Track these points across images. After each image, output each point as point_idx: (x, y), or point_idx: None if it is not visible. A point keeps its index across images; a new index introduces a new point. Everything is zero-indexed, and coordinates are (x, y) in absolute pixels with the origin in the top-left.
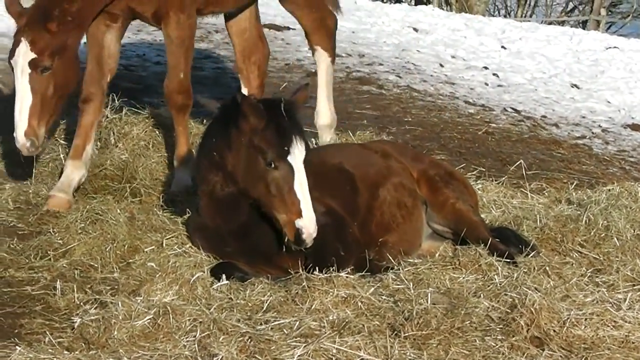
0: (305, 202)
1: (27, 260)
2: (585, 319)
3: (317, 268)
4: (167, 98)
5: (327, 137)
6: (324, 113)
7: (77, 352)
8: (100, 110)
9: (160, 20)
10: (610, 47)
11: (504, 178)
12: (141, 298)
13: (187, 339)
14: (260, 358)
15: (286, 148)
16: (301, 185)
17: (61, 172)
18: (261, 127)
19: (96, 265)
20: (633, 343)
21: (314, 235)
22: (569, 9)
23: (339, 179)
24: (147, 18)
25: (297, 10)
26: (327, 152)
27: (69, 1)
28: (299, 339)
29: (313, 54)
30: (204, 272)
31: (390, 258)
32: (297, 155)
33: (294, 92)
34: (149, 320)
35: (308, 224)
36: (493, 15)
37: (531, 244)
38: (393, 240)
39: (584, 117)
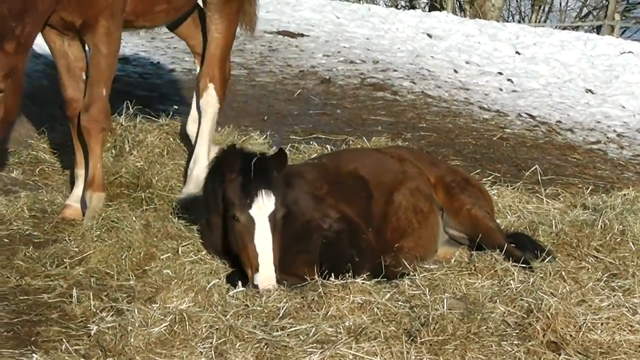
0: (264, 257)
1: (43, 268)
2: (602, 324)
3: (332, 274)
4: (84, 119)
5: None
6: (201, 162)
7: None
8: None
9: (88, 30)
10: (624, 52)
11: (519, 183)
12: (157, 305)
13: (204, 346)
14: None
15: (248, 201)
16: (262, 239)
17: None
18: (232, 179)
19: (112, 273)
20: None
21: (273, 289)
22: (583, 14)
23: (354, 186)
24: (76, 27)
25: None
26: (343, 157)
27: (21, 23)
28: (315, 345)
29: (202, 92)
30: (220, 279)
31: (406, 263)
32: (259, 209)
33: (274, 154)
34: (165, 328)
35: (263, 280)
36: (507, 21)
37: (547, 250)
38: (409, 246)
39: (598, 122)
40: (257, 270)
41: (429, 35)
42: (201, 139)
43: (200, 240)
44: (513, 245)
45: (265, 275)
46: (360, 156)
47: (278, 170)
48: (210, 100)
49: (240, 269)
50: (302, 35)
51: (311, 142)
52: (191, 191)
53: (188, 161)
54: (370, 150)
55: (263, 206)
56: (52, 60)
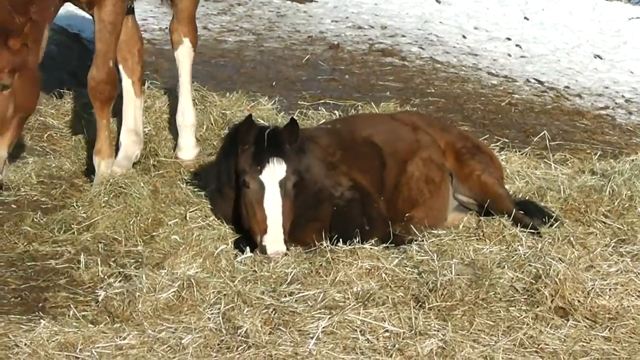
0: (272, 221)
1: (51, 234)
2: (610, 289)
3: (341, 241)
4: (92, 89)
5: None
6: (189, 113)
7: (101, 325)
8: None
9: (93, 4)
10: (633, 18)
11: (527, 149)
12: (165, 271)
13: (212, 312)
14: (284, 330)
15: (259, 168)
16: (271, 204)
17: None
18: (245, 149)
19: (120, 239)
20: None
21: (280, 253)
22: None
23: (368, 153)
24: (81, 3)
25: None
26: (357, 123)
27: (27, 17)
28: (323, 310)
29: (177, 45)
30: (228, 245)
31: (416, 232)
32: (270, 175)
33: (286, 125)
34: (173, 293)
35: (270, 242)
36: None
37: (555, 216)
38: (419, 216)
39: (607, 88)
40: (265, 232)
41: (438, 1)
42: (184, 90)
43: (210, 207)
44: (522, 212)
45: (273, 237)
46: (374, 123)
47: (290, 142)
48: (186, 51)
49: (250, 239)
50: (310, 0)
51: (319, 108)
52: (186, 142)
53: (196, 127)
54: (384, 117)
55: (274, 172)
56: (59, 27)
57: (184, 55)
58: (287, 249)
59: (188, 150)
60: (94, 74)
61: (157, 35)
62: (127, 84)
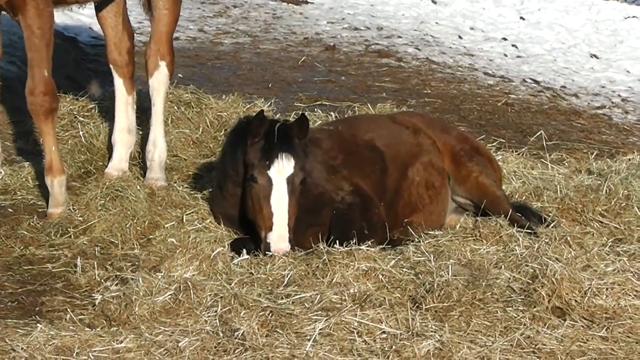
0: (278, 217)
1: (47, 238)
2: (607, 289)
3: (337, 242)
4: (31, 103)
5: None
6: (161, 145)
7: (98, 329)
8: None
9: (16, 9)
10: (629, 17)
11: (524, 149)
12: (162, 274)
13: (208, 314)
14: (281, 332)
15: (268, 163)
16: (278, 200)
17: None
18: (254, 142)
19: (116, 242)
20: None
21: (283, 251)
22: None
23: (370, 158)
24: (2, 6)
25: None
26: (359, 126)
27: None
28: (320, 312)
29: (152, 71)
30: (225, 247)
31: (414, 236)
32: (278, 171)
33: (296, 120)
34: (169, 296)
35: (276, 239)
36: None
37: (551, 217)
38: (418, 221)
39: (603, 87)
40: (270, 229)
41: (434, 1)
42: (156, 119)
43: (209, 206)
44: (519, 214)
45: (279, 234)
46: (376, 126)
47: (300, 137)
48: (162, 78)
49: (250, 236)
50: (306, 2)
51: (316, 109)
52: (156, 176)
53: (192, 129)
54: (386, 119)
55: (282, 168)
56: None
57: (160, 82)
58: (292, 248)
59: (158, 181)
60: (30, 86)
61: None
62: (119, 83)
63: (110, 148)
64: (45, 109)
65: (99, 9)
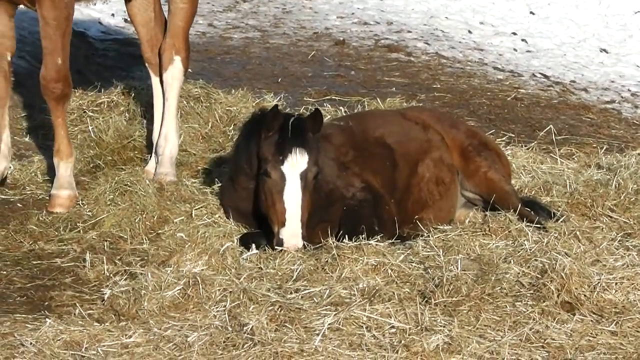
0: (291, 213)
1: (56, 233)
2: (616, 283)
3: (346, 237)
4: (44, 88)
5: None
6: (172, 140)
7: (107, 324)
8: (4, 95)
9: (34, 1)
10: (639, 11)
11: (533, 143)
12: (171, 269)
13: (217, 309)
14: (290, 327)
15: (281, 158)
16: (291, 195)
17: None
18: (269, 136)
19: (125, 237)
20: None
21: (296, 247)
22: None
23: (380, 154)
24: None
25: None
26: (370, 122)
27: None
28: (329, 307)
29: (167, 66)
30: (234, 242)
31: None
32: (292, 166)
33: (310, 114)
34: (178, 291)
35: (288, 235)
36: None
37: (560, 212)
38: (428, 217)
39: (613, 82)
40: (283, 225)
41: None
42: (168, 114)
43: (219, 199)
44: (528, 209)
45: (292, 230)
46: (386, 122)
47: (314, 131)
48: (176, 73)
49: (261, 230)
50: None
51: (325, 104)
52: (166, 171)
53: (201, 124)
54: (396, 115)
55: (296, 163)
56: None
57: (174, 77)
58: (304, 245)
59: (167, 176)
60: (43, 73)
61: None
62: (155, 82)
63: (118, 143)
64: (57, 95)
65: (129, 3)
